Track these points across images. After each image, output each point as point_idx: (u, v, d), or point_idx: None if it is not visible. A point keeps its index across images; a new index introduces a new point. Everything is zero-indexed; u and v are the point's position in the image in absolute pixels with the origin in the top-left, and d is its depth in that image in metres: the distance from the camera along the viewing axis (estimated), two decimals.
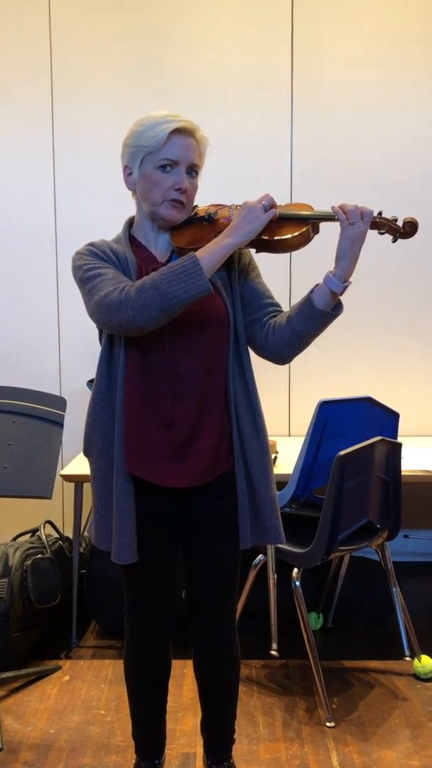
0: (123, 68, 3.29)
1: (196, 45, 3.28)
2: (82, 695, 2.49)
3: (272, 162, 3.33)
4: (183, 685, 2.50)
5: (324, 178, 3.32)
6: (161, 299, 1.57)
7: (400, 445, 2.49)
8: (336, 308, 1.68)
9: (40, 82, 3.30)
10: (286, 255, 3.16)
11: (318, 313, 1.66)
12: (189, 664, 1.94)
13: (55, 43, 3.28)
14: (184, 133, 1.67)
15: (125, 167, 1.74)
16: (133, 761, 2.00)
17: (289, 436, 3.43)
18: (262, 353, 1.80)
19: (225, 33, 3.27)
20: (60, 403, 2.35)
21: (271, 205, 1.66)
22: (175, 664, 1.98)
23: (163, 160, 1.67)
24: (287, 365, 3.37)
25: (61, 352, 3.41)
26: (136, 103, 3.26)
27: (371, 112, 3.31)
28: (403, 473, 2.53)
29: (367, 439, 2.39)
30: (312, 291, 1.67)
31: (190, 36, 3.28)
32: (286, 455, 2.91)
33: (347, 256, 1.63)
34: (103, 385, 1.75)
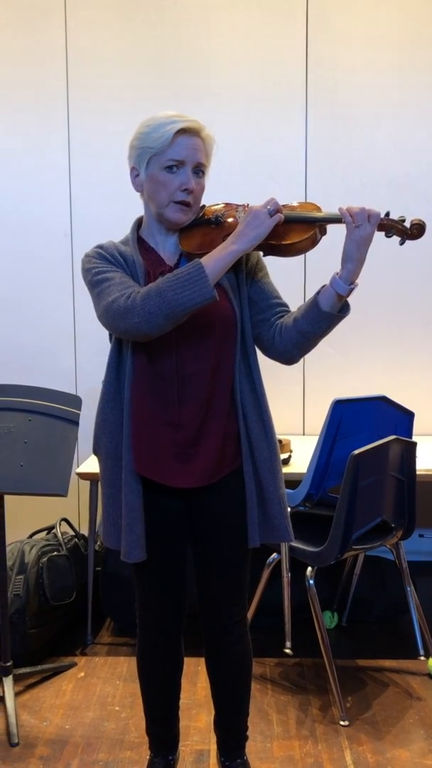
0: (138, 69, 3.30)
1: (211, 47, 3.28)
2: (97, 691, 2.51)
3: (287, 162, 3.32)
4: (197, 682, 2.51)
5: (338, 178, 3.32)
6: (166, 307, 1.58)
7: (414, 444, 2.49)
8: (342, 310, 1.67)
9: (56, 84, 3.32)
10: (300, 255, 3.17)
11: (324, 315, 1.66)
12: (203, 661, 1.95)
13: (71, 45, 3.30)
14: (189, 132, 1.67)
15: (132, 168, 1.74)
16: (148, 757, 2.01)
17: (303, 435, 3.42)
18: (269, 353, 1.80)
19: (240, 35, 3.27)
20: (75, 401, 2.36)
21: (277, 210, 1.64)
22: (189, 661, 1.99)
23: (169, 161, 1.67)
24: (301, 365, 3.39)
25: (77, 351, 3.44)
26: (151, 103, 3.27)
27: (386, 112, 3.30)
28: (417, 472, 2.52)
29: (382, 438, 2.38)
30: (318, 292, 1.67)
31: (205, 38, 3.28)
32: (300, 454, 2.91)
33: (353, 258, 1.61)
34: (111, 386, 1.76)
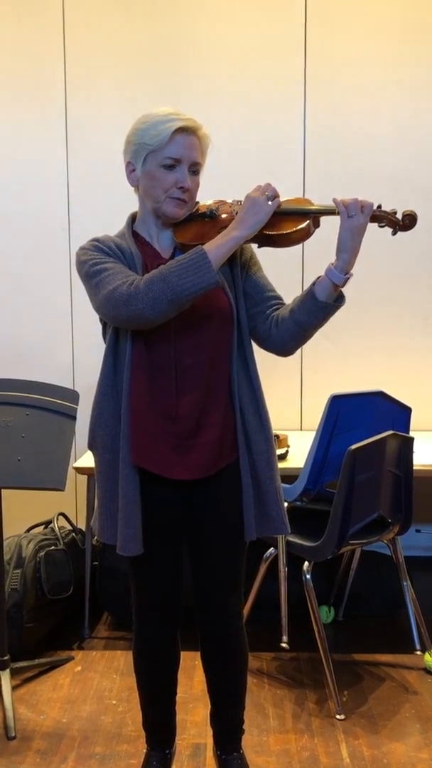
0: (136, 62, 3.29)
1: (209, 38, 3.27)
2: (94, 685, 2.51)
3: (285, 156, 3.32)
4: (194, 676, 2.52)
5: (337, 171, 3.31)
6: (171, 292, 1.59)
7: (412, 440, 2.49)
8: (338, 300, 1.70)
9: (54, 75, 3.30)
10: (298, 248, 3.16)
11: (320, 305, 1.68)
12: (199, 655, 1.95)
13: (68, 37, 3.28)
14: (186, 131, 1.68)
15: (128, 163, 1.75)
16: (144, 751, 2.02)
17: (301, 430, 3.42)
18: (266, 346, 1.81)
19: (238, 25, 3.26)
20: (73, 396, 2.36)
21: (274, 195, 1.67)
22: (186, 655, 2.00)
23: (166, 159, 1.68)
24: (299, 360, 3.39)
25: (74, 346, 3.43)
26: (149, 96, 3.26)
27: (384, 105, 3.29)
28: (415, 468, 2.52)
29: (379, 433, 2.38)
30: (314, 283, 1.70)
31: (203, 29, 3.27)
32: (298, 449, 2.91)
33: (348, 248, 1.64)
34: (108, 379, 1.76)
